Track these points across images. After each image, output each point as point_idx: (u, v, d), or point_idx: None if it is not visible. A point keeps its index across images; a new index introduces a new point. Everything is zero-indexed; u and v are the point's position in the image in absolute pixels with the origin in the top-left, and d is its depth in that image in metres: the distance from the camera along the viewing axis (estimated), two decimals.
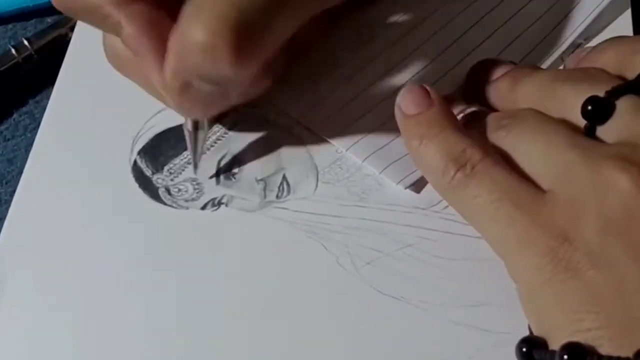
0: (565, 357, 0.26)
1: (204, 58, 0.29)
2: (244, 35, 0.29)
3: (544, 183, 0.30)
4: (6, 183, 0.40)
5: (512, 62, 0.37)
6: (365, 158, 0.37)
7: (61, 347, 0.33)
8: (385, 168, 0.36)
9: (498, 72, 0.36)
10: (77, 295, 0.34)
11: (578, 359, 0.26)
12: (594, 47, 0.34)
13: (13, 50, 0.43)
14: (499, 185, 0.30)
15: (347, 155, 0.37)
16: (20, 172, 0.38)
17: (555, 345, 0.27)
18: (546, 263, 0.28)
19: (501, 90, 0.35)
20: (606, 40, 0.34)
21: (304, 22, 0.32)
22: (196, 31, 0.29)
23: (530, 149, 0.31)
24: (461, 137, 0.32)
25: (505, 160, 0.31)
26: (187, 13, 0.30)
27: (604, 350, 0.26)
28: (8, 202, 0.37)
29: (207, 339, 0.33)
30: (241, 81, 0.32)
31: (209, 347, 0.33)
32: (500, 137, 0.32)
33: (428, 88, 0.34)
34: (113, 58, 0.36)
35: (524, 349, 0.28)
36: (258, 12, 0.29)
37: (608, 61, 0.33)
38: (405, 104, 0.34)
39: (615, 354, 0.25)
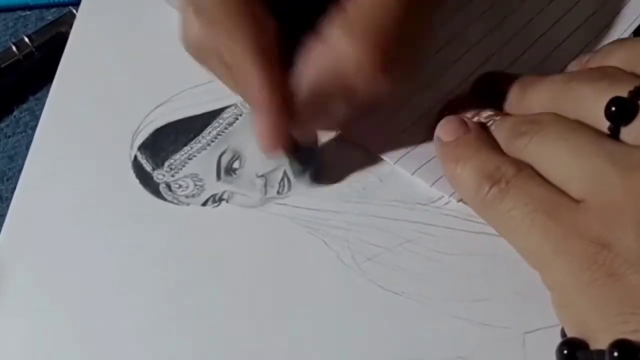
0: (616, 354, 0.26)
1: (358, 72, 0.30)
2: (396, 44, 0.30)
3: (574, 192, 0.30)
4: (7, 180, 0.40)
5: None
6: (415, 171, 0.36)
7: (61, 343, 0.33)
8: (437, 180, 0.36)
9: (506, 81, 0.35)
10: (77, 292, 0.34)
11: (629, 355, 0.25)
12: (599, 50, 0.34)
13: (14, 47, 0.43)
14: (533, 198, 0.30)
15: (396, 169, 0.37)
16: (21, 169, 0.38)
17: (598, 346, 0.27)
18: (585, 269, 0.28)
19: (511, 97, 0.35)
20: (611, 43, 0.34)
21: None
22: (354, 46, 0.29)
23: (556, 157, 0.30)
24: (496, 155, 0.32)
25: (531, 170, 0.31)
26: (338, 30, 0.30)
27: None
28: (9, 200, 0.37)
29: (208, 335, 0.33)
30: (380, 95, 0.32)
31: (209, 342, 0.33)
32: (521, 145, 0.32)
33: (465, 118, 0.34)
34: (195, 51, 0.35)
35: (565, 351, 0.28)
36: (407, 18, 0.30)
37: (617, 62, 0.32)
38: (443, 133, 0.34)
39: None
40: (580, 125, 0.31)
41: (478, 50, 0.40)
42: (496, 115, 0.35)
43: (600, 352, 0.26)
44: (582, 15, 0.41)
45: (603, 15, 0.41)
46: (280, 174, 0.37)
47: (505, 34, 0.41)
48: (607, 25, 0.40)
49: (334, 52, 0.30)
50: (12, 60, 0.43)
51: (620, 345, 0.26)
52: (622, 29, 0.40)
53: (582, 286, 0.28)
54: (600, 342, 0.27)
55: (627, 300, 0.27)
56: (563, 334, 0.29)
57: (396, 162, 0.37)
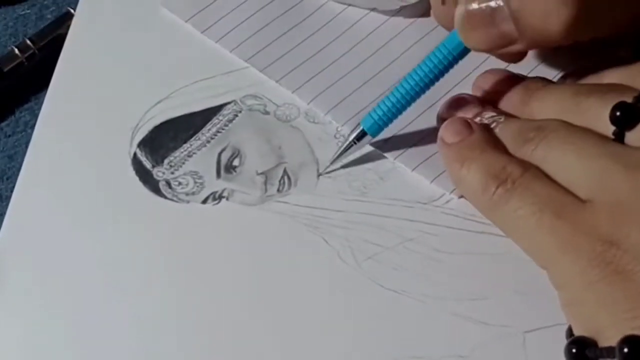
0: (626, 350, 0.26)
1: None
2: None
3: (581, 192, 0.30)
4: (7, 179, 0.40)
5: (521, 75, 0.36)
6: (415, 167, 0.36)
7: (60, 342, 0.33)
8: (437, 177, 0.36)
9: (508, 84, 0.35)
10: (76, 290, 0.34)
11: (639, 351, 0.25)
12: (595, 68, 0.34)
13: (16, 50, 0.43)
14: (539, 197, 0.30)
15: (396, 166, 0.37)
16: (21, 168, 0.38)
17: (606, 343, 0.27)
18: (593, 267, 0.28)
19: (514, 102, 0.35)
20: (608, 62, 0.34)
21: None
22: None
23: (562, 160, 0.31)
24: (501, 155, 0.32)
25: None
26: None
27: None
28: (9, 199, 0.37)
29: (208, 332, 0.33)
30: None
31: (209, 339, 0.32)
32: (528, 151, 0.32)
33: (469, 119, 0.34)
34: None
35: (574, 350, 0.28)
36: None
37: (616, 79, 0.33)
38: (447, 134, 0.34)
39: None
40: (586, 130, 0.31)
41: None
42: (499, 116, 0.34)
43: (610, 349, 0.26)
44: None
45: None
46: (280, 172, 0.37)
47: None
48: None
49: None
50: (15, 63, 0.43)
51: (631, 341, 0.26)
52: None
53: (590, 284, 0.28)
54: (609, 339, 0.27)
55: (636, 297, 0.27)
56: (569, 334, 0.29)
57: (396, 158, 0.37)
